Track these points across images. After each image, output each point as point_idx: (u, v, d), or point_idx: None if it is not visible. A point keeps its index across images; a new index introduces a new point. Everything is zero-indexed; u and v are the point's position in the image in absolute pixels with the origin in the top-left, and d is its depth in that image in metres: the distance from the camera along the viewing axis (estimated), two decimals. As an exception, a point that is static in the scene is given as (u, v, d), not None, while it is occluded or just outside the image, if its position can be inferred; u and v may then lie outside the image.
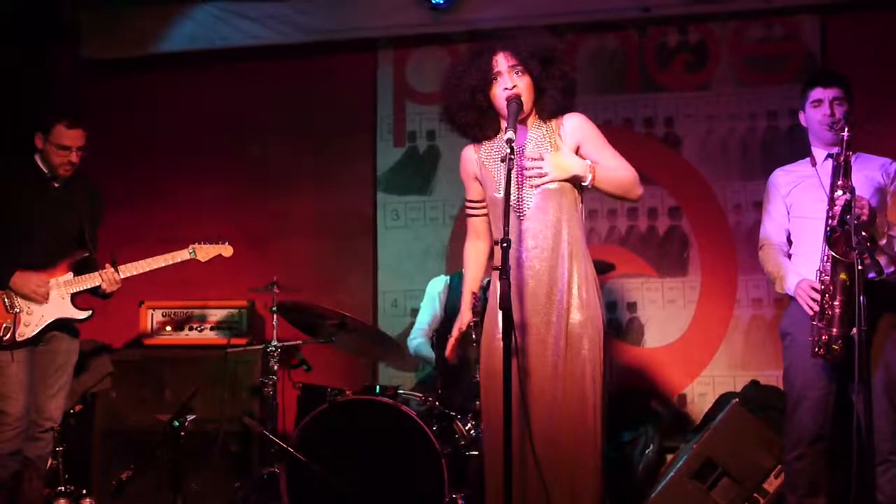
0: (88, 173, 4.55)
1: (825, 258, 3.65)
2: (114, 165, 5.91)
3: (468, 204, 3.56)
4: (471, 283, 3.57)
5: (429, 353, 4.99)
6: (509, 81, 3.29)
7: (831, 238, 3.58)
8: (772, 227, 4.07)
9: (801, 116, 4.04)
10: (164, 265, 4.47)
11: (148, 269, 4.44)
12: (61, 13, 6.07)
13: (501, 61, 3.31)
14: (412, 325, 5.35)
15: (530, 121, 3.37)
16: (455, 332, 3.53)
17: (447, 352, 3.53)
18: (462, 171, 3.53)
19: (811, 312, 3.70)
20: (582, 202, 3.36)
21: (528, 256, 3.25)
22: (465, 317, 3.54)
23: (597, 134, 3.35)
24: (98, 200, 4.56)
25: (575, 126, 3.34)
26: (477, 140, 3.45)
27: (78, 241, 4.42)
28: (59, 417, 4.42)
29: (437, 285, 5.21)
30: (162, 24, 5.99)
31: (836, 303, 3.60)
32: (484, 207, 3.50)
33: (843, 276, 3.57)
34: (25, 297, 4.23)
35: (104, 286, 4.34)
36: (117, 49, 6.04)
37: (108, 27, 6.04)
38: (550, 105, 3.34)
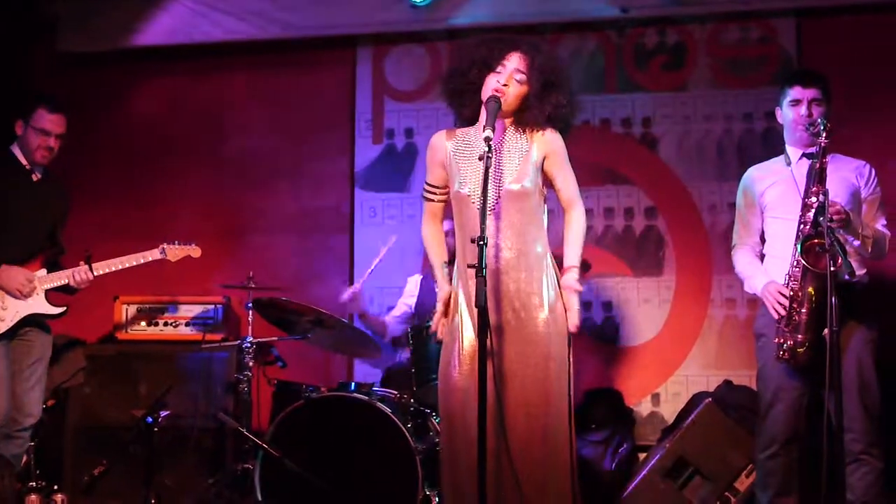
0: (57, 174, 4.55)
1: (795, 263, 3.68)
2: (91, 160, 5.88)
3: (429, 188, 3.55)
4: (440, 258, 3.54)
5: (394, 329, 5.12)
6: (504, 80, 3.30)
7: (804, 244, 3.60)
8: (744, 227, 4.08)
9: (778, 113, 4.03)
10: (135, 264, 4.54)
11: (121, 266, 4.50)
12: (38, 6, 6.02)
13: (513, 60, 3.33)
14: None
15: (508, 122, 3.39)
16: (440, 307, 3.44)
17: (433, 324, 3.45)
18: (429, 156, 3.53)
19: (776, 316, 3.72)
20: (545, 203, 3.41)
21: (491, 254, 3.25)
22: (444, 288, 3.46)
23: (565, 155, 3.41)
24: (67, 199, 4.56)
25: (551, 140, 3.38)
26: (455, 113, 3.48)
27: (49, 237, 4.40)
28: (39, 413, 4.40)
29: (413, 281, 5.24)
30: (140, 17, 5.95)
31: (804, 310, 3.62)
32: (444, 193, 3.51)
33: (810, 289, 3.59)
34: (9, 293, 4.20)
35: (73, 283, 4.33)
36: (95, 42, 6.00)
37: (86, 20, 5.99)
38: (529, 122, 3.36)
